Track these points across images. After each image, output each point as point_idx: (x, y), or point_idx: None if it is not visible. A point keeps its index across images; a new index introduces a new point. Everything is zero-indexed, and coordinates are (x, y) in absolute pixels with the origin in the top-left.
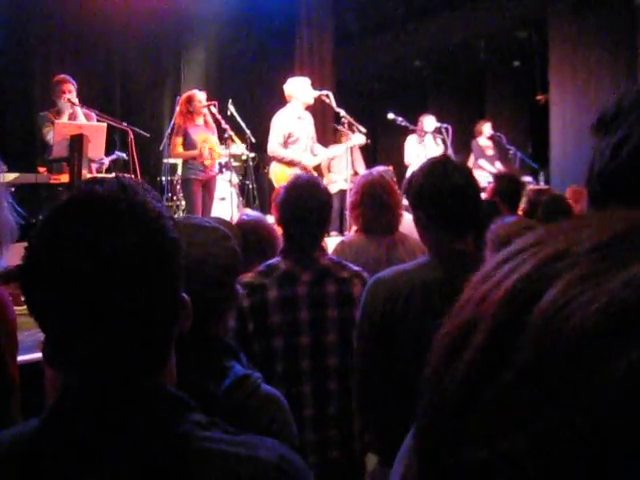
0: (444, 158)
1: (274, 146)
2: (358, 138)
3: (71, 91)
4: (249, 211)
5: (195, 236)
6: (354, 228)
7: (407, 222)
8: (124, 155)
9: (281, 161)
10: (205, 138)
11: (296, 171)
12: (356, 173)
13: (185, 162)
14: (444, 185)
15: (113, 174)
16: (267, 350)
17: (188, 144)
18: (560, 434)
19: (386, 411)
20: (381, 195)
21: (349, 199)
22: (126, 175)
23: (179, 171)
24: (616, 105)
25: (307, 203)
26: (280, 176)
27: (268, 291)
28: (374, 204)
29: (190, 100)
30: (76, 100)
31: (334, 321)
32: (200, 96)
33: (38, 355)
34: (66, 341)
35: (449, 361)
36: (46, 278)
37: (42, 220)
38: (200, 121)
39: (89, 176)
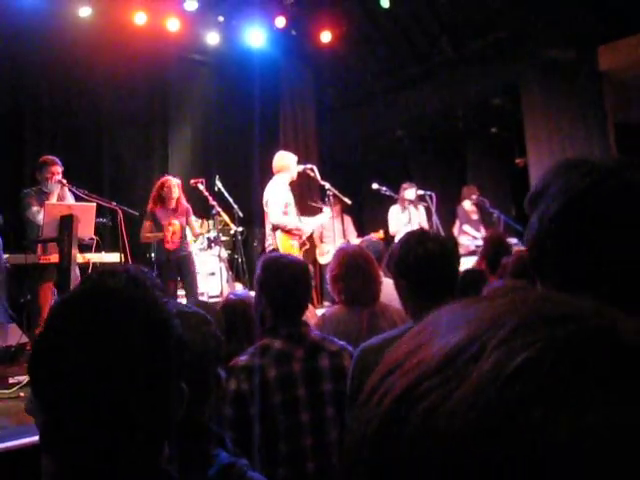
0: (420, 230)
1: (277, 215)
2: (327, 214)
3: (59, 172)
4: (238, 289)
5: None
6: (336, 300)
7: (386, 289)
8: (104, 220)
9: (284, 229)
10: (170, 222)
11: (295, 240)
12: (348, 242)
13: (156, 244)
14: (419, 254)
15: (103, 254)
16: (270, 431)
17: (157, 228)
18: None
19: None
20: (363, 266)
21: (330, 273)
22: (133, 265)
23: None
24: (539, 183)
25: (287, 280)
26: (284, 244)
27: (267, 372)
28: (357, 275)
29: (162, 186)
30: (64, 180)
31: (330, 395)
32: (173, 182)
33: (23, 441)
34: (66, 430)
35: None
36: (51, 368)
37: (53, 309)
38: (172, 205)
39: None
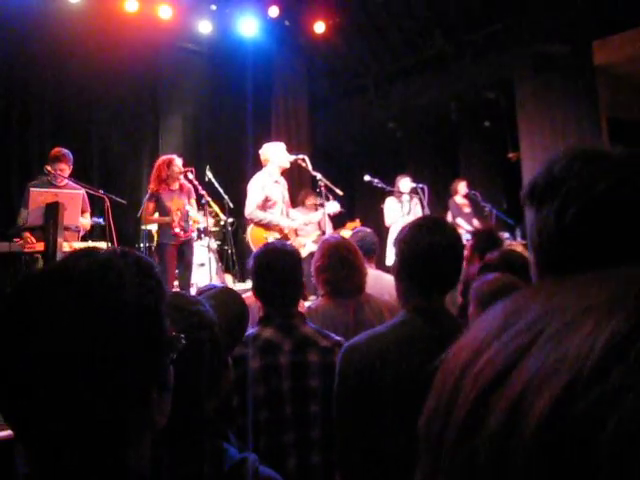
0: (434, 218)
1: (252, 208)
2: (332, 206)
3: (63, 170)
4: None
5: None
6: (320, 292)
7: (371, 280)
8: (100, 221)
9: (259, 223)
10: (179, 206)
11: (273, 234)
12: (324, 233)
13: (159, 227)
14: (423, 243)
15: (90, 243)
16: (251, 423)
17: (161, 210)
18: None
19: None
20: (347, 256)
21: (314, 264)
22: (117, 248)
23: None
24: (547, 175)
25: (278, 269)
26: (257, 239)
27: (250, 361)
28: (342, 266)
29: (169, 164)
30: (66, 174)
31: (316, 392)
32: (178, 161)
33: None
34: (18, 422)
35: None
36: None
37: (9, 291)
38: (175, 186)
39: (76, 245)
